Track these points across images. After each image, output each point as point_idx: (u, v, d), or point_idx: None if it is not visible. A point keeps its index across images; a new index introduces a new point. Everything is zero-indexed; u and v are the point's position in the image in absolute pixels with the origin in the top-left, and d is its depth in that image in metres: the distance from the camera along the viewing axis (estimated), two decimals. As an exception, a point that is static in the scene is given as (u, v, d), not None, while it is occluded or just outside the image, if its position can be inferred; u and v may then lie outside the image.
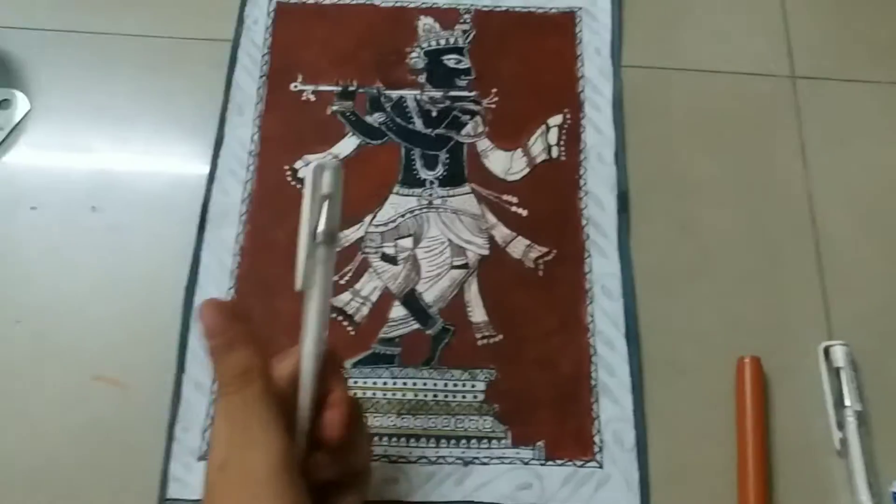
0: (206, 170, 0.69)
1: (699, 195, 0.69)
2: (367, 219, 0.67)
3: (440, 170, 0.70)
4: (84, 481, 0.58)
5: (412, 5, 0.76)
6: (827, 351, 0.62)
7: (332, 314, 0.63)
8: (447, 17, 0.76)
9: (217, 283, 0.64)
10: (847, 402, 0.60)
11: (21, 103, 0.72)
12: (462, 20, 0.76)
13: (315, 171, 0.38)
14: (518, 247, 0.66)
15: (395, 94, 0.73)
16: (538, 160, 0.70)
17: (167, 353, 0.62)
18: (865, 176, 0.70)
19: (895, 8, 0.77)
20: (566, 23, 0.76)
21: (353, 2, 0.76)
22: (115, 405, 0.61)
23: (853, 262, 0.66)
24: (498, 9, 0.76)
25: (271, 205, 0.68)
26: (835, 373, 0.61)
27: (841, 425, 0.59)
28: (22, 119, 0.71)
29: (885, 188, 0.70)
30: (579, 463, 0.59)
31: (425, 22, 0.76)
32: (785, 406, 0.61)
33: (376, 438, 0.59)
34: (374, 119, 0.72)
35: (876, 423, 0.60)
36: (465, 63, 0.74)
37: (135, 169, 0.70)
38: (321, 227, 0.38)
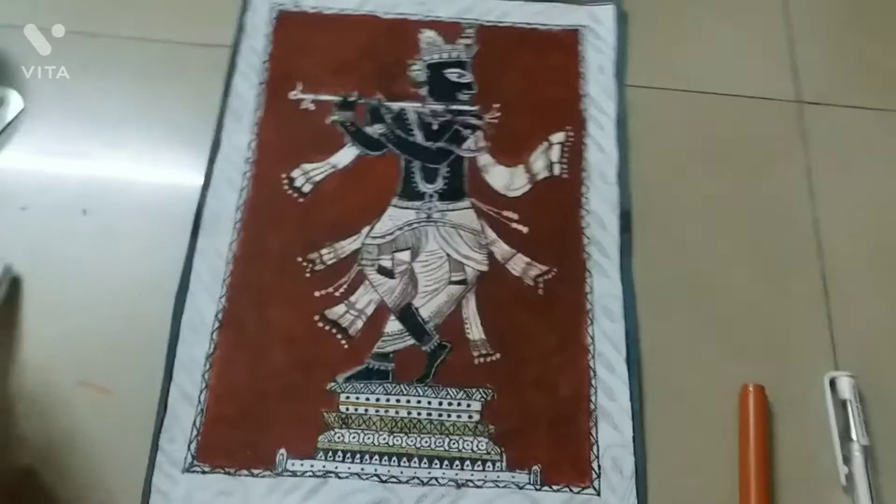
0: (200, 176, 0.67)
1: (703, 218, 0.68)
2: (365, 230, 0.66)
3: (440, 183, 0.68)
4: (64, 491, 0.56)
5: (415, 18, 0.75)
6: (833, 382, 0.60)
7: (325, 326, 0.62)
8: (450, 31, 0.75)
9: (209, 290, 0.63)
10: (853, 436, 0.58)
11: (14, 102, 0.70)
12: (465, 34, 0.75)
13: None
14: (518, 264, 0.65)
15: (395, 106, 0.71)
16: (539, 177, 0.69)
17: (155, 361, 0.60)
18: (872, 204, 0.69)
19: (900, 36, 0.77)
20: (570, 40, 0.75)
21: (355, 12, 0.75)
22: (99, 413, 0.58)
23: (859, 292, 0.65)
24: (501, 24, 0.76)
25: (266, 213, 0.66)
26: (841, 405, 0.59)
27: (847, 460, 0.58)
28: (15, 118, 0.69)
29: (892, 216, 0.69)
30: (576, 489, 0.57)
31: (428, 35, 0.75)
32: (789, 437, 0.59)
33: (367, 456, 0.57)
34: (374, 130, 0.70)
35: (883, 458, 0.59)
36: (468, 77, 0.73)
37: (128, 173, 0.68)
38: None
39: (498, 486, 0.57)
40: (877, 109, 0.73)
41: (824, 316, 0.64)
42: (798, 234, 0.68)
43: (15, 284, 0.62)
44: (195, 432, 0.58)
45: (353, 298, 0.63)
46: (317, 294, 0.63)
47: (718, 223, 0.68)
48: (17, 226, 0.65)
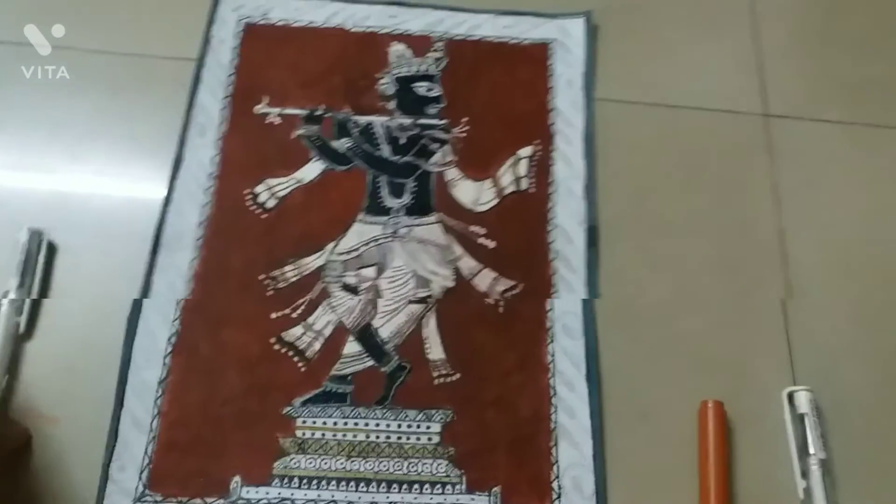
0: (163, 191, 0.66)
1: (669, 232, 0.68)
2: (329, 246, 0.65)
3: (407, 198, 0.68)
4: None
5: (384, 31, 0.75)
6: (791, 396, 0.61)
7: (282, 349, 0.61)
8: (419, 45, 0.75)
9: (163, 312, 0.62)
10: (811, 450, 0.58)
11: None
12: (434, 48, 0.75)
13: None
14: (484, 279, 0.65)
15: (363, 119, 0.71)
16: (507, 191, 0.69)
17: (106, 386, 0.59)
18: (837, 217, 0.69)
19: (868, 50, 0.77)
20: (539, 54, 0.75)
21: (323, 25, 0.75)
22: (46, 441, 0.57)
23: (818, 307, 0.65)
24: (471, 38, 0.75)
25: (229, 230, 0.66)
26: (799, 419, 0.60)
27: (805, 474, 0.58)
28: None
29: (856, 231, 0.69)
30: (537, 510, 0.57)
31: (397, 48, 0.74)
32: (748, 452, 0.60)
33: (324, 482, 0.57)
34: (341, 144, 0.70)
35: (840, 472, 0.59)
36: (437, 91, 0.73)
37: (89, 188, 0.67)
38: None
39: (458, 509, 0.57)
40: (843, 123, 0.74)
41: (783, 331, 0.64)
42: (763, 247, 0.68)
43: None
44: (147, 461, 0.57)
45: (310, 319, 0.62)
46: (273, 316, 0.62)
47: (685, 237, 0.68)
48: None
